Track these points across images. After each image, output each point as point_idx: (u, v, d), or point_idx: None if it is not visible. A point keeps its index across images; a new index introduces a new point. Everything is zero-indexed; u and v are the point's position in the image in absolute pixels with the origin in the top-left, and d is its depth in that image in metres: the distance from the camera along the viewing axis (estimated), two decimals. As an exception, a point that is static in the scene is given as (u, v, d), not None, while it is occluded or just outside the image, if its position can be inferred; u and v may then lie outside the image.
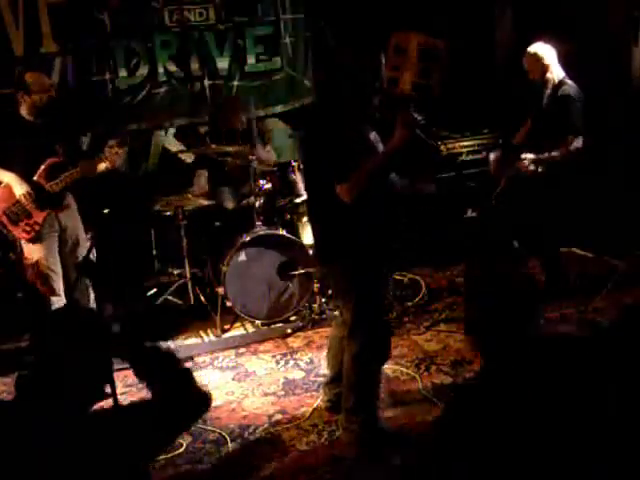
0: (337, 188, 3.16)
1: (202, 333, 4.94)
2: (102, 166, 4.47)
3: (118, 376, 3.88)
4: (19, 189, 4.29)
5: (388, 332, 3.60)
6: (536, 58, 4.66)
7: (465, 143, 5.92)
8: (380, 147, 3.39)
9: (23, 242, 4.39)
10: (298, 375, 4.26)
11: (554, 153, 4.56)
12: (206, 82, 6.02)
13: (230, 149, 5.15)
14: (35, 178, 4.34)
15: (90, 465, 1.79)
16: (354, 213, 3.23)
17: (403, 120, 3.17)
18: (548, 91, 4.65)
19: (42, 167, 4.36)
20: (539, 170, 4.58)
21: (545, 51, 4.66)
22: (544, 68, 4.64)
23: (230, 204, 5.34)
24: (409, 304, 5.02)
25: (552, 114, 4.63)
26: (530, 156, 4.60)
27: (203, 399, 2.06)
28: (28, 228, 4.36)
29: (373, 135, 3.39)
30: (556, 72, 4.66)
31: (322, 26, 6.23)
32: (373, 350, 3.41)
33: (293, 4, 6.22)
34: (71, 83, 5.56)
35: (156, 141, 5.99)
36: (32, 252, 4.39)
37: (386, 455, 3.34)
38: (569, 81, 4.63)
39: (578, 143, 4.56)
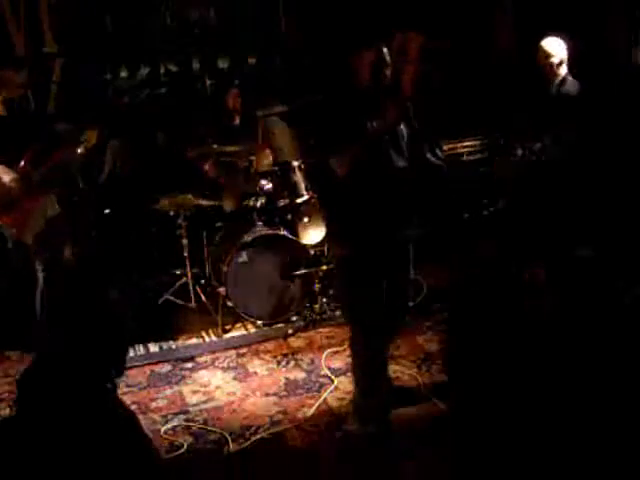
0: (330, 161, 3.29)
1: (203, 333, 4.94)
2: (82, 148, 4.64)
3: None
4: (7, 177, 4.38)
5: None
6: (551, 53, 4.60)
7: (466, 143, 5.91)
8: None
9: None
10: (299, 375, 4.27)
11: (550, 151, 4.49)
12: (207, 82, 6.04)
13: (231, 149, 5.17)
14: (21, 165, 4.43)
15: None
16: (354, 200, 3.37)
17: (395, 102, 3.30)
18: (552, 88, 4.62)
19: (26, 155, 4.44)
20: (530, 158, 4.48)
21: (561, 47, 4.61)
22: (556, 64, 4.58)
23: (232, 204, 5.35)
24: (410, 304, 5.01)
25: (553, 111, 4.59)
26: (519, 152, 4.53)
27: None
28: (22, 215, 4.47)
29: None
30: (564, 69, 4.63)
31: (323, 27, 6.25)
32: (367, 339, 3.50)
33: (294, 4, 6.23)
34: (72, 84, 5.57)
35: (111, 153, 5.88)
36: (25, 239, 4.50)
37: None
38: (570, 78, 4.61)
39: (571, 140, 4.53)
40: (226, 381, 4.28)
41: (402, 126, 3.53)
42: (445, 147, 5.76)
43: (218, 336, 4.88)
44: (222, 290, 4.87)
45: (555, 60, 4.59)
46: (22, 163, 4.44)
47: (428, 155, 3.54)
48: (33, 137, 4.59)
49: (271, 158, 5.63)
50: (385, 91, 3.45)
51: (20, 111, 4.61)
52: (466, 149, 5.92)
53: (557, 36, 4.76)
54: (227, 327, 4.95)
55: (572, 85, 4.58)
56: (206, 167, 5.39)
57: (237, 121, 5.59)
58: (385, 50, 3.44)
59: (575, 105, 4.52)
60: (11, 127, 4.50)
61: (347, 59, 3.53)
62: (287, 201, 5.05)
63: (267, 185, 5.09)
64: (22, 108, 4.64)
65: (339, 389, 4.01)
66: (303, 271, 4.93)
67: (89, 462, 1.76)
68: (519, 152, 4.50)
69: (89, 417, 1.82)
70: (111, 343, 1.99)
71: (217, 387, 4.20)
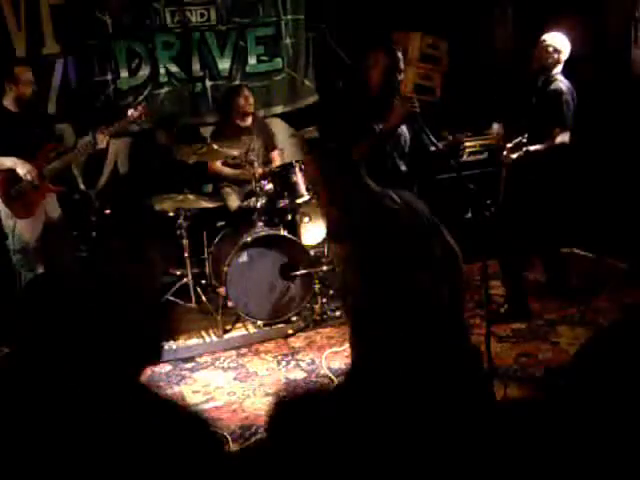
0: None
1: (204, 333, 4.95)
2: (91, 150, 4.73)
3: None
4: (22, 169, 4.45)
5: None
6: (554, 49, 4.56)
7: (466, 144, 5.91)
8: None
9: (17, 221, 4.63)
10: (299, 375, 4.27)
11: (538, 146, 4.46)
12: (207, 83, 6.04)
13: (232, 150, 5.18)
14: (36, 160, 4.57)
15: None
16: None
17: (401, 101, 3.35)
18: (539, 84, 4.59)
19: (41, 151, 4.60)
20: (516, 156, 4.42)
21: (565, 45, 4.57)
22: (556, 61, 4.55)
23: (234, 204, 5.36)
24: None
25: (542, 108, 4.56)
26: (509, 145, 4.46)
27: None
28: (25, 206, 4.62)
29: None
30: (559, 68, 4.60)
31: (323, 28, 6.25)
32: None
33: (294, 5, 6.23)
34: (73, 84, 5.58)
35: (112, 153, 5.84)
36: (22, 231, 4.63)
37: None
38: (560, 77, 4.58)
39: (564, 137, 4.50)
40: (226, 381, 4.28)
41: (405, 129, 3.59)
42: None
43: (218, 336, 4.88)
44: (222, 290, 4.88)
45: (559, 56, 4.54)
46: (37, 158, 4.54)
47: (432, 148, 3.58)
48: (37, 136, 4.65)
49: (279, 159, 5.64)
50: (394, 92, 3.50)
51: (29, 109, 4.65)
52: (467, 149, 5.92)
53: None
54: (227, 327, 4.95)
55: (560, 83, 4.54)
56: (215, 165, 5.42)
57: (248, 122, 5.58)
58: (399, 55, 3.50)
59: (562, 101, 4.48)
60: (21, 125, 4.55)
61: (359, 60, 3.61)
62: (287, 201, 5.05)
63: (267, 185, 5.10)
64: (31, 107, 4.68)
65: (339, 389, 4.02)
66: (303, 271, 4.94)
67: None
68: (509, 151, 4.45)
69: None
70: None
71: (217, 387, 4.20)
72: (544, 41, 4.58)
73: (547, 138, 4.46)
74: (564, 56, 4.56)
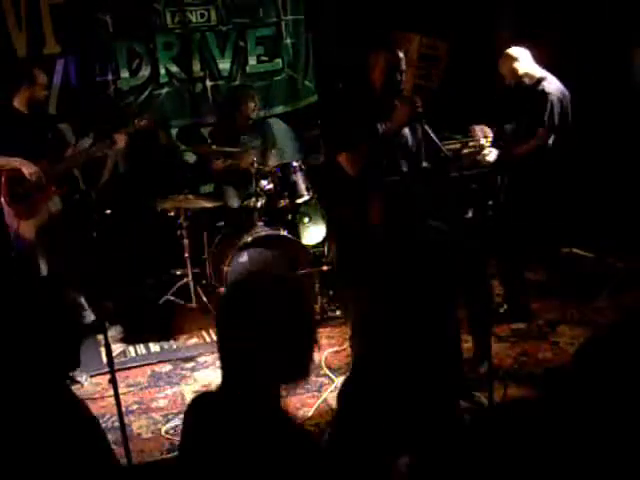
0: (339, 157, 3.37)
1: (204, 333, 4.95)
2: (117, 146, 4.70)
3: (119, 376, 3.90)
4: (28, 170, 4.44)
5: None
6: (508, 62, 4.61)
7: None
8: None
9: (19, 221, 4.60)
10: (300, 375, 4.27)
11: (519, 147, 4.48)
12: (208, 83, 6.05)
13: (231, 150, 5.19)
14: (41, 161, 4.53)
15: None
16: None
17: (403, 102, 3.37)
18: (527, 88, 4.61)
19: (48, 153, 4.57)
20: (493, 159, 4.44)
21: (516, 54, 4.61)
22: (517, 71, 4.59)
23: (235, 203, 5.37)
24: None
25: (531, 112, 4.58)
26: (492, 150, 4.48)
27: None
28: (29, 207, 4.57)
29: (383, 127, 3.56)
30: (532, 72, 4.61)
31: (323, 28, 6.25)
32: None
33: (294, 5, 6.24)
34: (73, 84, 5.58)
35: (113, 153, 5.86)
36: (25, 232, 4.58)
37: None
38: (550, 77, 4.59)
39: (546, 138, 4.50)
40: (227, 381, 4.28)
41: (407, 130, 3.60)
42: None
43: (219, 336, 4.88)
44: (223, 290, 4.88)
45: (516, 65, 4.57)
46: (43, 159, 4.53)
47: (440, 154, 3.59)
48: (45, 138, 4.65)
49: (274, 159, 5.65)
50: (396, 93, 3.51)
51: (38, 111, 4.66)
52: (466, 150, 5.91)
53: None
54: (228, 327, 4.95)
55: (548, 85, 4.55)
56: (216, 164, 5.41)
57: (250, 122, 5.59)
58: (401, 55, 3.51)
59: (547, 103, 4.50)
60: (31, 126, 4.55)
61: (361, 61, 3.62)
62: (288, 201, 5.06)
63: (267, 185, 5.10)
64: (40, 109, 4.69)
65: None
66: (303, 271, 4.94)
67: (41, 459, 1.74)
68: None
69: (44, 413, 1.81)
70: (64, 337, 1.98)
71: (218, 387, 4.20)
72: (499, 61, 4.64)
73: (530, 138, 4.48)
74: (520, 63, 4.57)
